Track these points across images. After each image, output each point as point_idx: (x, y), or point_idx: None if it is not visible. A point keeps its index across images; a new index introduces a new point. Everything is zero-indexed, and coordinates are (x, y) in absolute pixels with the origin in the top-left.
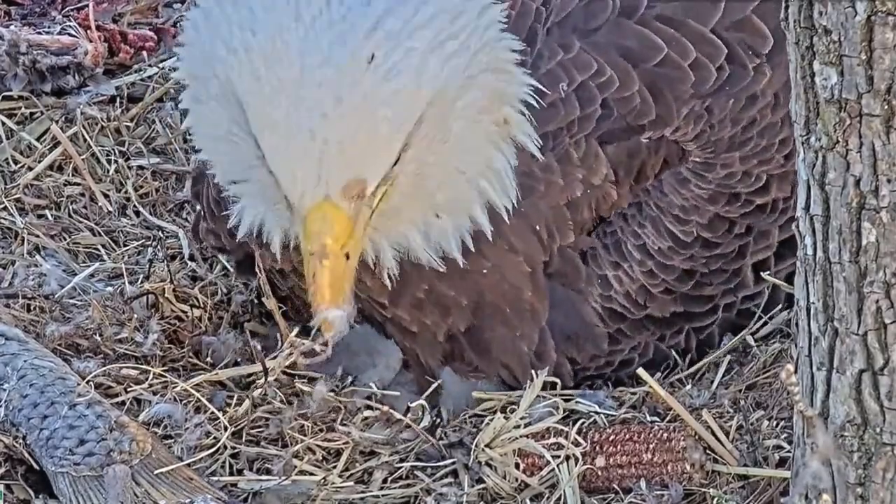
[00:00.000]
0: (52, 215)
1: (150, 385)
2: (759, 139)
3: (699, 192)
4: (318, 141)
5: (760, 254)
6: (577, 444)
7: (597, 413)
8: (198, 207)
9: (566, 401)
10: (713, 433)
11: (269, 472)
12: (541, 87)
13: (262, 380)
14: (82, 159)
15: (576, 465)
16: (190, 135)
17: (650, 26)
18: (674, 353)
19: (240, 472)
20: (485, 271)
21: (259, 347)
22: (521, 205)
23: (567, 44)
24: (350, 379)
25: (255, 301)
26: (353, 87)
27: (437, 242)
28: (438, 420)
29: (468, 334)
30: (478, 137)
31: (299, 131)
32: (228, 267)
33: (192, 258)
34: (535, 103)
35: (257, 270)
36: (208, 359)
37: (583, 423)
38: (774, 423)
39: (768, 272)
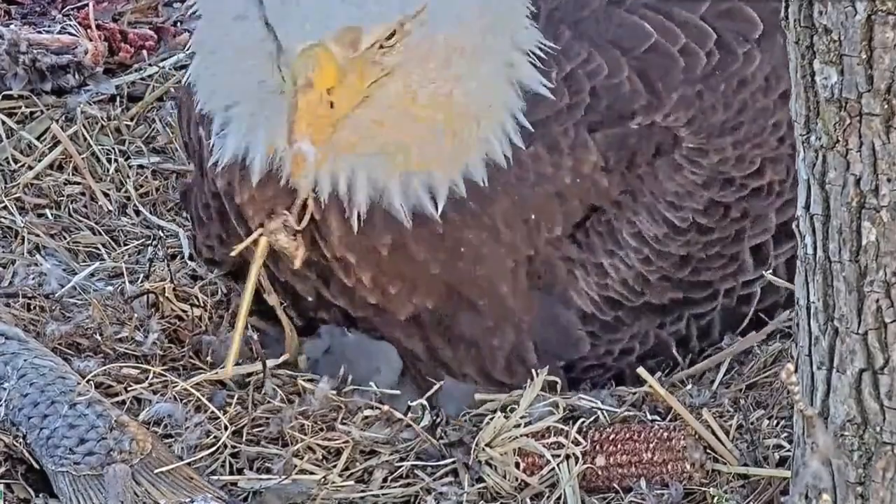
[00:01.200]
0: (52, 214)
1: (151, 384)
2: (751, 123)
3: (693, 177)
4: None
5: (758, 238)
6: (577, 444)
7: (599, 410)
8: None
9: (566, 400)
10: (713, 432)
11: (269, 471)
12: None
13: (262, 374)
14: (82, 158)
15: (576, 464)
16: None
17: (638, 13)
18: (674, 343)
19: (240, 472)
20: (462, 249)
21: (255, 337)
22: (512, 191)
23: (556, 33)
24: (351, 378)
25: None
26: None
27: (417, 194)
28: (438, 419)
29: (436, 317)
30: (483, 72)
31: None
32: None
33: (192, 257)
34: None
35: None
36: (208, 358)
37: (583, 422)
38: (774, 422)
39: (769, 270)
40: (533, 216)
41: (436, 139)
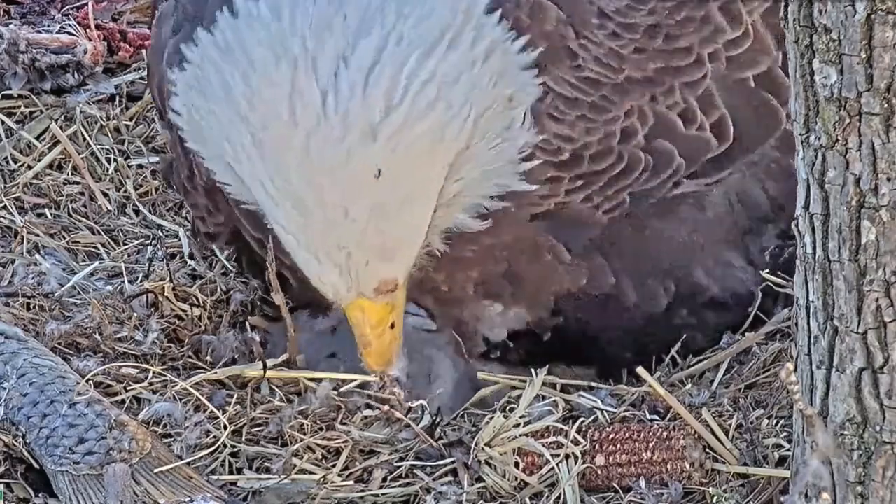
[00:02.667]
0: (51, 214)
1: (150, 384)
2: None
3: None
4: (341, 254)
5: None
6: (576, 443)
7: (598, 410)
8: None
9: (566, 399)
10: (713, 432)
11: (268, 470)
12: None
13: (262, 373)
14: (82, 158)
15: (575, 463)
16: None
17: None
18: (679, 121)
19: (239, 471)
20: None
21: (257, 339)
22: None
23: None
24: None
25: (260, 298)
26: (363, 201)
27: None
28: (438, 419)
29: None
30: (491, 147)
31: (319, 245)
32: (228, 265)
33: (191, 257)
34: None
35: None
36: (208, 358)
37: (582, 421)
38: (774, 421)
39: (766, 270)
40: None
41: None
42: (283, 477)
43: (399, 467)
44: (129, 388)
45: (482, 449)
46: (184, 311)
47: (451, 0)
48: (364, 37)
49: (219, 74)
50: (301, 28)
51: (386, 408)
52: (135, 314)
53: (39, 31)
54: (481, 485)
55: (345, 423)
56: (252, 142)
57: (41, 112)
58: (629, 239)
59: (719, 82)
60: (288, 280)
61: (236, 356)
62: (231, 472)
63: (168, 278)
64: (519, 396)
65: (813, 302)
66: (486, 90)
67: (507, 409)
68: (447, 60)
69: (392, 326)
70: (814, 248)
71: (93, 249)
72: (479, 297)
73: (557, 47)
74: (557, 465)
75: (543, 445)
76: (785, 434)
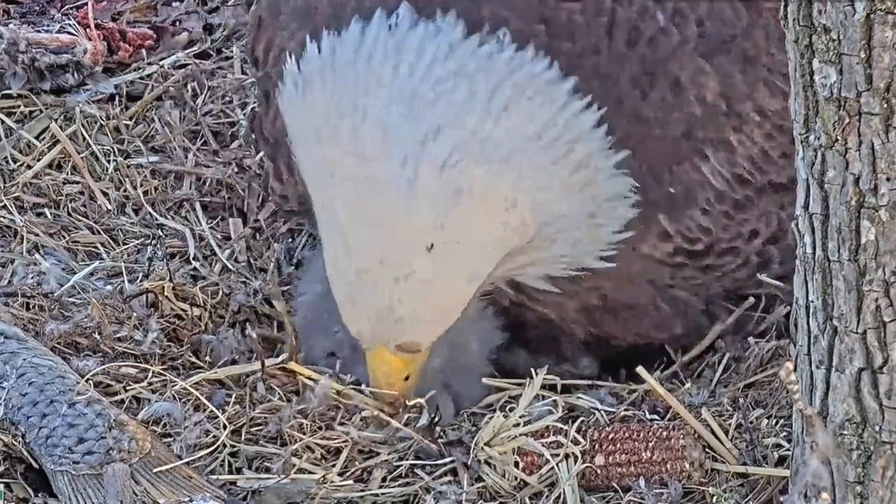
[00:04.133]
0: (51, 214)
1: (150, 383)
2: None
3: None
4: (375, 308)
5: None
6: (576, 443)
7: (598, 409)
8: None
9: (565, 399)
10: (712, 431)
11: (268, 470)
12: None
13: (260, 373)
14: (81, 158)
15: (575, 463)
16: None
17: None
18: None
19: (239, 471)
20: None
21: (255, 336)
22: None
23: None
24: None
25: (262, 303)
26: (411, 266)
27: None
28: (436, 418)
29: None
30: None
31: (358, 295)
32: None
33: (194, 258)
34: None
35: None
36: (207, 357)
37: (582, 421)
38: (774, 421)
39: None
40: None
41: None
42: (282, 477)
43: (399, 467)
44: (128, 388)
45: (482, 448)
46: (183, 310)
47: (560, 104)
48: (462, 115)
49: (322, 95)
50: (414, 86)
51: (376, 412)
52: (134, 314)
53: (39, 31)
54: (481, 484)
55: (344, 423)
56: (330, 175)
57: (41, 112)
58: None
59: None
60: None
61: (236, 357)
62: (231, 472)
63: (168, 278)
64: (518, 396)
65: (812, 302)
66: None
67: (507, 408)
68: (530, 162)
69: (406, 379)
70: (813, 248)
71: (92, 249)
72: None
73: (716, 139)
74: (557, 464)
75: (543, 445)
76: (784, 434)
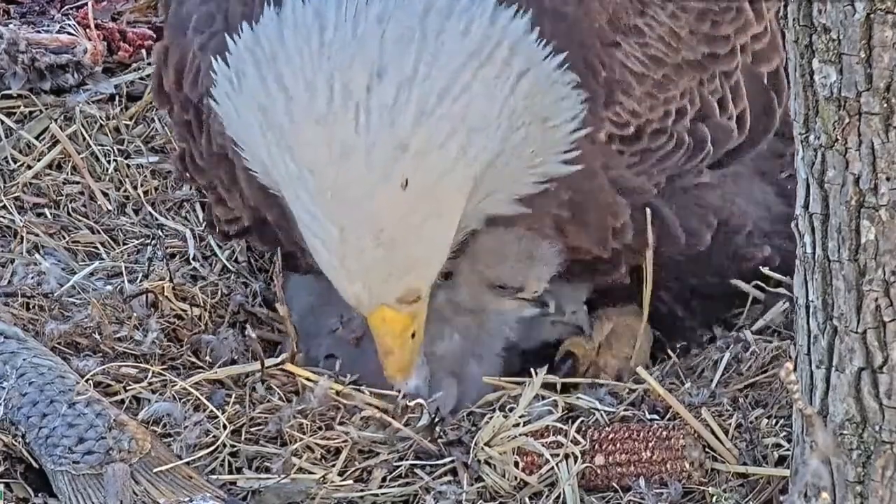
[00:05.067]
0: (51, 214)
1: (150, 383)
2: None
3: None
4: (366, 263)
5: None
6: (576, 443)
7: (598, 409)
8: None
9: (565, 399)
10: (712, 431)
11: (268, 470)
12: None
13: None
14: (81, 158)
15: (575, 463)
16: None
17: None
18: (717, 107)
19: (239, 471)
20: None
21: (254, 336)
22: None
23: None
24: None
25: (261, 304)
26: (390, 213)
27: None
28: (435, 417)
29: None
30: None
31: (347, 254)
32: (228, 265)
33: (194, 258)
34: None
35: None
36: (207, 357)
37: (582, 421)
38: (774, 421)
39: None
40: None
41: None
42: (282, 476)
43: (399, 467)
44: (128, 388)
45: (482, 448)
46: (183, 310)
47: (487, 18)
48: (399, 54)
49: (259, 79)
50: (342, 41)
51: (378, 414)
52: (134, 314)
53: (39, 31)
54: (481, 484)
55: (344, 423)
56: (288, 149)
57: (41, 112)
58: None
59: (745, 75)
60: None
61: (235, 357)
62: (231, 472)
63: (168, 278)
64: (518, 396)
65: (812, 301)
66: (517, 110)
67: (507, 408)
68: (478, 78)
69: (413, 336)
70: (813, 248)
71: (92, 249)
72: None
73: (625, 24)
74: (557, 464)
75: (543, 445)
76: (784, 434)
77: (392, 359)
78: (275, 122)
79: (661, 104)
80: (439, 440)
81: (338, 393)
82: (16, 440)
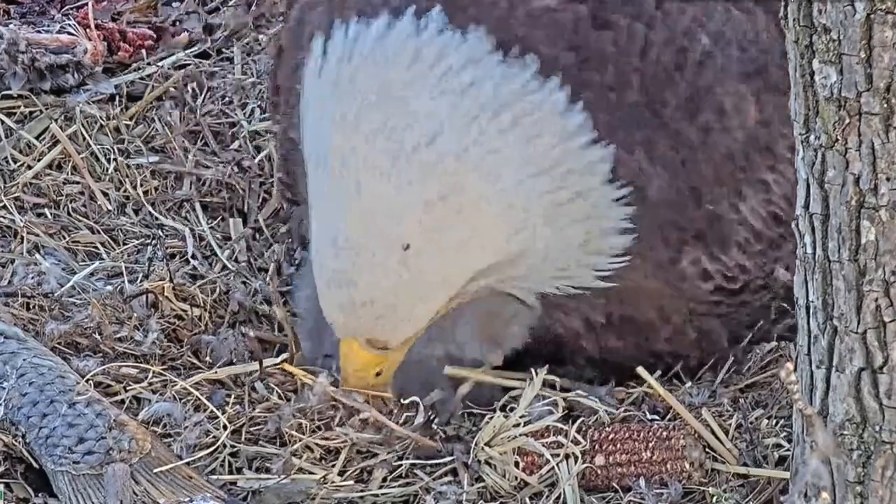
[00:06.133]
0: (51, 214)
1: (150, 384)
2: None
3: None
4: (349, 294)
5: None
6: (576, 443)
7: (598, 409)
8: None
9: (566, 399)
10: (713, 432)
11: (268, 470)
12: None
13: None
14: (81, 158)
15: (575, 463)
16: None
17: None
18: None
19: (239, 471)
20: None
21: (252, 335)
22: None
23: None
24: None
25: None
26: (390, 263)
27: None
28: (432, 415)
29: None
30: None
31: (335, 287)
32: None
33: (193, 257)
34: None
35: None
36: (207, 358)
37: (582, 421)
38: (774, 421)
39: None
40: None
41: None
42: (282, 477)
43: (399, 467)
44: (128, 388)
45: (482, 448)
46: (184, 310)
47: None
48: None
49: (342, 76)
50: (425, 83)
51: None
52: (135, 314)
53: (39, 31)
54: (481, 484)
55: (343, 423)
56: (327, 154)
57: (41, 112)
58: None
59: None
60: None
61: (235, 359)
62: (231, 472)
63: (168, 278)
64: (519, 396)
65: (813, 302)
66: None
67: (507, 408)
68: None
69: (378, 374)
70: (814, 248)
71: (93, 249)
72: None
73: (753, 178)
74: (557, 464)
75: (543, 445)
76: (785, 434)
77: (347, 384)
78: (324, 125)
79: (770, 262)
80: (437, 437)
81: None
82: (16, 440)
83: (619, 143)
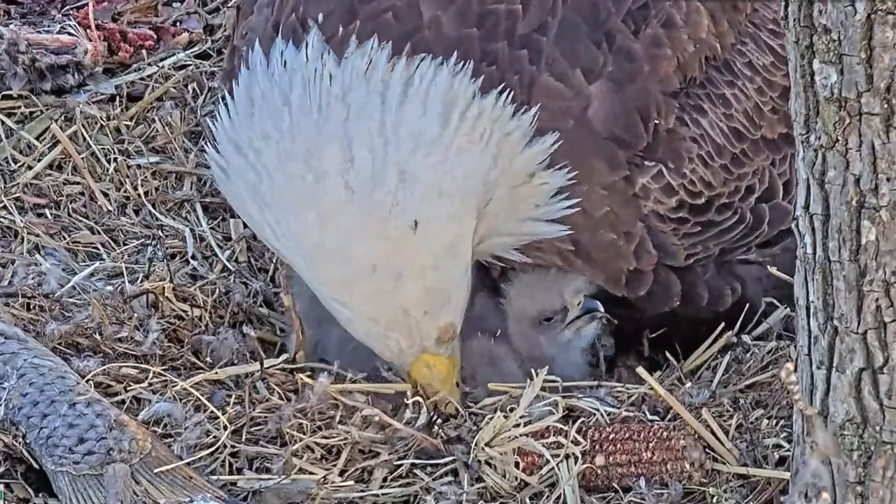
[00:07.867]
0: (51, 214)
1: (150, 384)
2: None
3: None
4: (397, 312)
5: None
6: (576, 443)
7: (599, 410)
8: None
9: (566, 399)
10: (713, 432)
11: (268, 470)
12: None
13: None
14: (82, 158)
15: (575, 463)
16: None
17: None
18: (781, 189)
19: (239, 471)
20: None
21: (253, 335)
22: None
23: None
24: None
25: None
26: (406, 257)
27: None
28: (433, 416)
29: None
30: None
31: (373, 309)
32: (228, 265)
33: (193, 257)
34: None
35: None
36: (208, 358)
37: (582, 421)
38: (774, 421)
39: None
40: (653, 106)
41: None
42: (282, 477)
43: (399, 467)
44: (129, 389)
45: (482, 449)
46: (184, 311)
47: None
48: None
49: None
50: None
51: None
52: (135, 314)
53: (39, 32)
54: (481, 485)
55: (344, 423)
56: (292, 235)
57: (41, 112)
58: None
59: None
60: None
61: (235, 359)
62: (231, 472)
63: (168, 278)
64: (519, 396)
65: (813, 302)
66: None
67: (507, 409)
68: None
69: (458, 384)
70: (814, 249)
71: (93, 249)
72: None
73: (713, 93)
74: (557, 465)
75: (543, 445)
76: (785, 434)
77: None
78: (265, 202)
79: (734, 179)
80: (439, 438)
81: (339, 391)
82: (16, 440)
83: (550, 70)
